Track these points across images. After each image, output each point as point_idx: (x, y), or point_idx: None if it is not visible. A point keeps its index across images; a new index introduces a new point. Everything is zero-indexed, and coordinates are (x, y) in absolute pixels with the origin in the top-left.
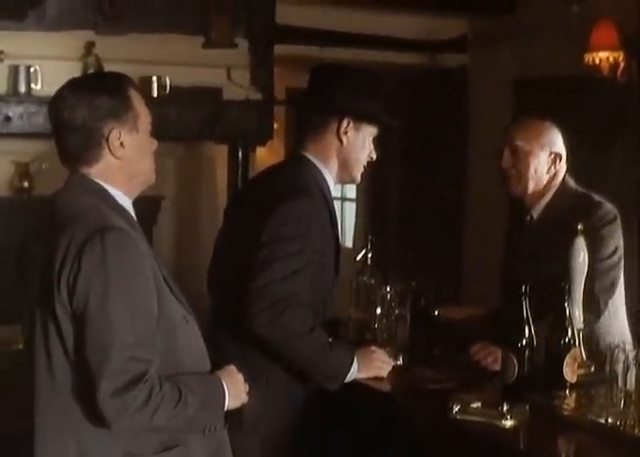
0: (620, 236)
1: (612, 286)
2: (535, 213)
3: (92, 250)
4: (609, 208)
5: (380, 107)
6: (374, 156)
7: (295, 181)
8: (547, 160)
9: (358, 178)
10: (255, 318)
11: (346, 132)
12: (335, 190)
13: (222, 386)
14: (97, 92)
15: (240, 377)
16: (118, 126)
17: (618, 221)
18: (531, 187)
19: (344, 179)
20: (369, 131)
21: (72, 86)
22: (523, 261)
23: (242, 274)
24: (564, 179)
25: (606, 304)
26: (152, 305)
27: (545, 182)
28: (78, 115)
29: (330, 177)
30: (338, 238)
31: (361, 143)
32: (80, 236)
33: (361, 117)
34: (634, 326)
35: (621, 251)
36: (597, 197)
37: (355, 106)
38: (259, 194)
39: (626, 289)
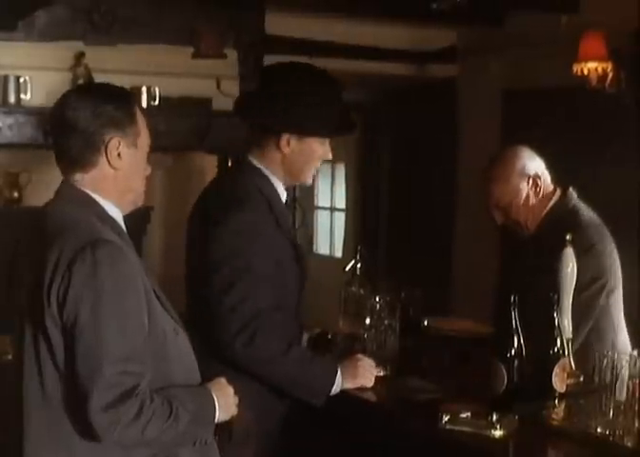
0: (599, 264)
1: (586, 324)
2: (531, 229)
3: (83, 263)
4: (588, 235)
5: (330, 112)
6: (330, 156)
7: (232, 195)
8: (530, 187)
9: (309, 181)
10: (228, 348)
11: (288, 144)
12: (325, 200)
13: (212, 398)
14: (104, 100)
15: (230, 390)
16: (119, 136)
17: (595, 250)
18: (530, 216)
19: (292, 183)
20: (316, 139)
21: (79, 91)
22: (519, 276)
23: (202, 296)
24: (563, 194)
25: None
26: (143, 317)
27: (538, 201)
28: (81, 118)
29: (277, 181)
30: (291, 239)
31: (308, 152)
32: (70, 249)
33: (297, 132)
34: None
35: (602, 281)
36: (587, 220)
37: (293, 121)
38: (204, 210)
39: (628, 302)
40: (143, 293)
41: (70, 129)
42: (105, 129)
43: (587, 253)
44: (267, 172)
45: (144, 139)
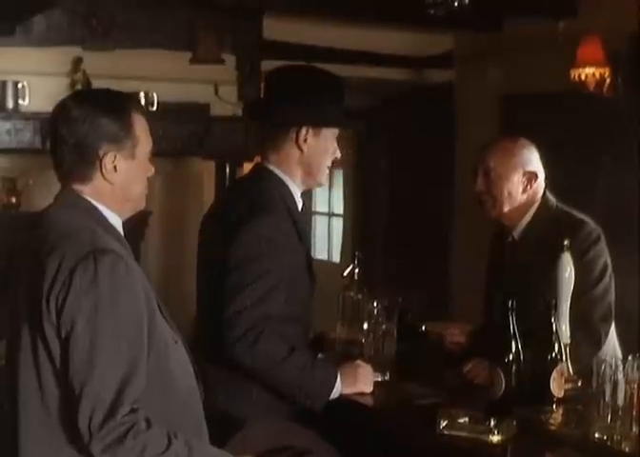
0: (607, 255)
1: (610, 310)
2: (516, 233)
3: (85, 272)
4: (592, 226)
5: (339, 107)
6: (339, 155)
7: (255, 199)
8: (521, 181)
9: (324, 181)
10: (232, 348)
11: (305, 140)
12: (322, 206)
13: None
14: (100, 113)
15: None
16: (115, 150)
17: (603, 239)
18: (506, 208)
19: (310, 185)
20: (330, 133)
21: (77, 100)
22: (506, 279)
23: (215, 300)
24: (544, 196)
25: (606, 334)
26: (143, 329)
27: (522, 202)
28: (77, 131)
29: (295, 187)
30: (307, 248)
31: (323, 147)
32: (72, 257)
33: (319, 123)
34: None
35: (610, 270)
36: (579, 215)
37: (311, 113)
38: (223, 216)
39: (622, 307)
40: (144, 303)
41: (66, 141)
42: (100, 143)
43: (597, 242)
44: (285, 179)
45: (143, 146)
